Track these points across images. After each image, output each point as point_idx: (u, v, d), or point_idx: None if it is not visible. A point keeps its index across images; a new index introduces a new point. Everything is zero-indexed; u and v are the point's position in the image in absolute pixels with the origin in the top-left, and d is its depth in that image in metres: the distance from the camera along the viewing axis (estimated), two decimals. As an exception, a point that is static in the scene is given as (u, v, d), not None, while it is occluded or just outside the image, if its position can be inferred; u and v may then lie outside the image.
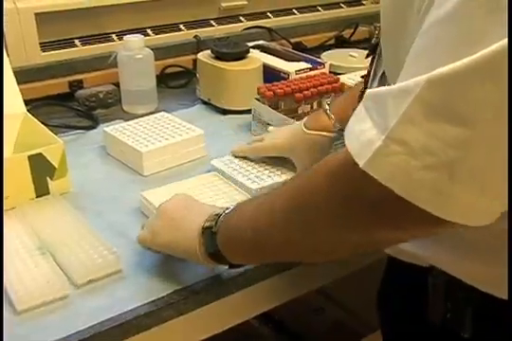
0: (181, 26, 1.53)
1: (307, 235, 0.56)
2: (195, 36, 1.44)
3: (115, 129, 1.07)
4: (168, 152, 1.02)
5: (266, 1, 1.67)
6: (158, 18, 1.50)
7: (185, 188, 0.90)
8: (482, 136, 0.40)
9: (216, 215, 0.68)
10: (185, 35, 1.49)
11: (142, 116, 1.19)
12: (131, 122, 1.11)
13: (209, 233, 0.67)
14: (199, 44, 1.41)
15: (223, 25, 1.58)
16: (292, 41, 1.59)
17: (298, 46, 1.57)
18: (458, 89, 0.40)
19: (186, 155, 1.04)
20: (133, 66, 1.21)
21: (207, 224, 0.68)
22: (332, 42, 1.66)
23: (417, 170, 0.42)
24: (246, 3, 1.61)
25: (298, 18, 1.69)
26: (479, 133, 0.40)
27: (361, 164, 0.44)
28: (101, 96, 1.23)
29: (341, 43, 1.66)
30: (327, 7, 1.77)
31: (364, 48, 1.46)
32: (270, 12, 1.68)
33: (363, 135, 0.44)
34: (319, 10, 1.74)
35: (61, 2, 1.33)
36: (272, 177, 0.95)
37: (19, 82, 1.06)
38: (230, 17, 1.61)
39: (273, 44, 1.49)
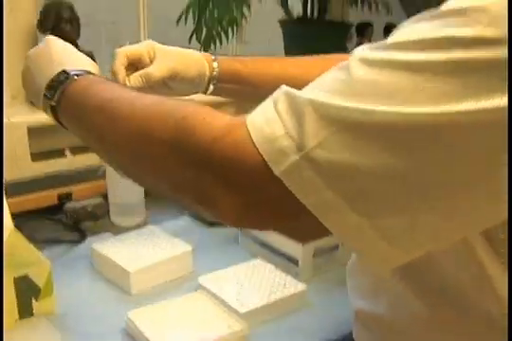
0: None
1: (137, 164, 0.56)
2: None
3: (102, 245, 1.07)
4: (156, 270, 1.02)
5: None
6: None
7: (171, 309, 0.90)
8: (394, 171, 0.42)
9: (57, 84, 0.66)
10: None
11: (131, 228, 1.20)
12: (119, 237, 1.11)
13: (48, 102, 0.67)
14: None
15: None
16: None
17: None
18: (391, 136, 0.42)
19: (173, 272, 1.04)
20: (121, 179, 1.22)
21: (47, 94, 0.67)
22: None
23: (325, 190, 0.44)
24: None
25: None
26: (389, 168, 0.42)
27: (277, 172, 0.45)
28: (90, 209, 1.24)
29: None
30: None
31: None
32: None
33: (277, 142, 0.45)
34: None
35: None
36: (262, 298, 0.94)
37: (9, 195, 1.07)
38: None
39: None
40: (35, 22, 1.41)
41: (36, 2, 1.43)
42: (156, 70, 0.78)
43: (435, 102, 0.40)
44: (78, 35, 1.37)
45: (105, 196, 1.28)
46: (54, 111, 0.66)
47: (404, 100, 0.41)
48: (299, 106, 0.45)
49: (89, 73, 0.67)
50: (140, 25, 1.71)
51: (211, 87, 0.84)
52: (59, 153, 1.42)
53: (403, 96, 0.41)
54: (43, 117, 1.36)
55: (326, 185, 0.44)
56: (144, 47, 0.81)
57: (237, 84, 0.85)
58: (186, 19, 1.64)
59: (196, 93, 0.85)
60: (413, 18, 0.46)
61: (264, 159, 0.45)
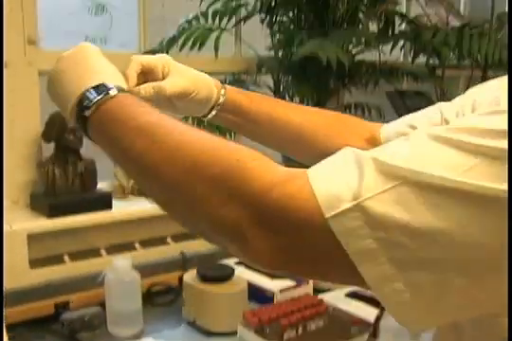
0: (168, 240, 1.58)
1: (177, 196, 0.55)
2: (181, 252, 1.49)
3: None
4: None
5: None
6: (146, 232, 1.56)
7: None
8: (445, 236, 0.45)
9: (95, 96, 0.64)
10: (171, 248, 1.54)
11: (128, 338, 1.19)
12: (115, 350, 1.10)
13: (81, 114, 0.64)
14: (185, 261, 1.45)
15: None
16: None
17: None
18: (442, 200, 0.45)
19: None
20: (119, 290, 1.23)
21: (83, 103, 0.64)
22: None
23: (368, 238, 0.46)
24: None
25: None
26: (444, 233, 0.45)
27: (327, 215, 0.47)
28: (86, 318, 1.23)
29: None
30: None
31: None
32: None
33: (335, 190, 0.47)
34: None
35: (56, 221, 1.39)
36: None
37: (6, 305, 1.07)
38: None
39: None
40: (39, 131, 1.46)
41: (40, 112, 1.49)
42: (170, 86, 0.78)
43: (485, 180, 0.44)
44: (81, 144, 1.41)
45: (103, 304, 1.28)
46: (83, 121, 0.65)
47: (460, 173, 0.45)
48: (362, 162, 0.49)
49: (125, 91, 0.67)
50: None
51: (213, 113, 0.85)
52: (58, 259, 1.43)
53: (460, 169, 0.45)
54: (43, 223, 1.39)
55: (371, 234, 0.46)
56: (160, 60, 0.80)
57: (238, 117, 0.85)
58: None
59: (197, 115, 0.86)
60: (482, 112, 0.51)
61: (319, 207, 0.48)
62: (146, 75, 0.79)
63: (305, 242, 0.49)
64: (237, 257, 0.54)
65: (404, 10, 2.42)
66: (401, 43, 1.95)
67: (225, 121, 0.87)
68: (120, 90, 0.65)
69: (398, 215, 0.46)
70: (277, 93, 1.84)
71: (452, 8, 2.42)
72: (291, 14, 1.84)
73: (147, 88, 0.76)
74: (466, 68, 2.17)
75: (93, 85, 0.65)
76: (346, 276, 0.49)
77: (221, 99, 0.84)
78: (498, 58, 1.71)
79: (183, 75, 0.81)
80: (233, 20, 1.85)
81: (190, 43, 1.72)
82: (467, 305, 0.48)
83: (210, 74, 1.87)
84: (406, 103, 2.13)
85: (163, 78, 0.80)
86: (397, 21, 2.02)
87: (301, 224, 0.49)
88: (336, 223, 0.47)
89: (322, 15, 1.83)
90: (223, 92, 0.84)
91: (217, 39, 1.76)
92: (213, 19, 1.78)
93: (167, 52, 1.70)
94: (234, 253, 0.53)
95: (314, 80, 1.79)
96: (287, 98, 1.83)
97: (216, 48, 1.78)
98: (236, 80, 1.81)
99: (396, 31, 1.99)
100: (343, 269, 0.48)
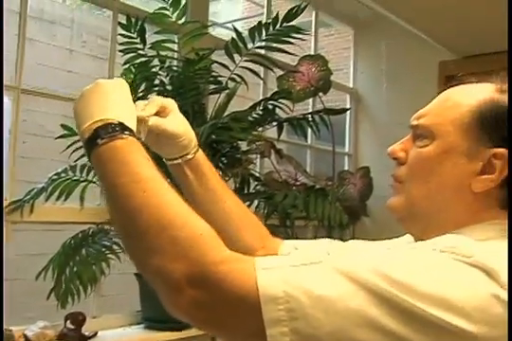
0: None
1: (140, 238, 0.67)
2: None
3: None
4: None
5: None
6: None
7: None
8: None
9: (111, 131, 0.73)
10: None
11: None
12: None
13: (93, 140, 0.73)
14: None
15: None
16: None
17: None
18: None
19: None
20: None
21: (99, 130, 0.73)
22: None
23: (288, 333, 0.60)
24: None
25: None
26: None
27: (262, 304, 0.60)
28: None
29: None
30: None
31: None
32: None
33: (274, 277, 0.62)
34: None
35: None
36: None
37: None
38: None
39: None
40: None
41: None
42: (169, 124, 0.90)
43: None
44: None
45: None
46: (92, 145, 0.74)
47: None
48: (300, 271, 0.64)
49: (134, 135, 0.77)
50: None
51: (179, 161, 0.94)
52: None
53: None
54: None
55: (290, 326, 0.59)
56: (171, 104, 0.92)
57: (194, 174, 0.96)
58: (45, 274, 1.69)
59: (164, 156, 0.95)
60: None
61: (256, 290, 0.60)
62: (158, 111, 0.92)
63: (229, 311, 0.62)
64: (163, 299, 0.65)
65: (258, 167, 2.63)
66: (256, 202, 2.10)
67: (180, 173, 0.97)
68: (132, 134, 0.77)
69: (320, 316, 0.59)
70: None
71: (300, 167, 2.68)
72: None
73: (153, 120, 0.89)
74: (311, 229, 2.39)
75: (116, 122, 0.75)
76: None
77: (190, 155, 0.95)
78: (339, 221, 1.88)
79: (180, 120, 0.93)
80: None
81: (56, 193, 1.78)
82: None
83: (75, 223, 1.92)
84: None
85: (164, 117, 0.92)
86: (253, 180, 2.19)
87: (233, 296, 0.62)
88: (266, 311, 0.60)
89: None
90: (196, 150, 0.96)
91: (83, 190, 1.84)
92: (81, 172, 1.87)
93: (34, 201, 1.74)
94: (163, 296, 0.65)
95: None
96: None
97: (82, 199, 1.85)
98: (100, 230, 1.86)
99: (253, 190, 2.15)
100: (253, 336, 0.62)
